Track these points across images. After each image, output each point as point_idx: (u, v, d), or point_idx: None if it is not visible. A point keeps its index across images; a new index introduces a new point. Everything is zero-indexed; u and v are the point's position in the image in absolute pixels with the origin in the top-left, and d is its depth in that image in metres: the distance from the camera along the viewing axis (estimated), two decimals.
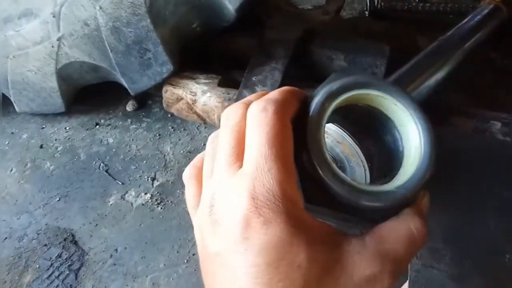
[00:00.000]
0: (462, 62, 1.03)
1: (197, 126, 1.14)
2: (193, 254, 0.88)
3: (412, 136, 0.34)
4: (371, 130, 0.38)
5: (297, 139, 0.31)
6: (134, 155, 1.07)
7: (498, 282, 0.69)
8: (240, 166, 0.30)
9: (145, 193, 0.99)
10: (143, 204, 0.97)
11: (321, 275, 0.28)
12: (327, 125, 0.67)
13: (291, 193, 0.29)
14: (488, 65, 1.26)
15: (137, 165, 1.05)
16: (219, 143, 0.32)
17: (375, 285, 0.30)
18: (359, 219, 0.33)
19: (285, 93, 0.33)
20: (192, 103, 1.03)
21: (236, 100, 0.95)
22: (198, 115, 1.05)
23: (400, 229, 0.32)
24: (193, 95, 1.02)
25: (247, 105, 0.32)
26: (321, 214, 0.32)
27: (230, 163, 0.30)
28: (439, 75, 0.97)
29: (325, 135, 0.61)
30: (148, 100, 1.20)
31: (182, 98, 1.04)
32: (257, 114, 0.30)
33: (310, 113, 0.32)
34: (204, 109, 1.03)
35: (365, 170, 0.42)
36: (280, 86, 0.96)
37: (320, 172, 0.30)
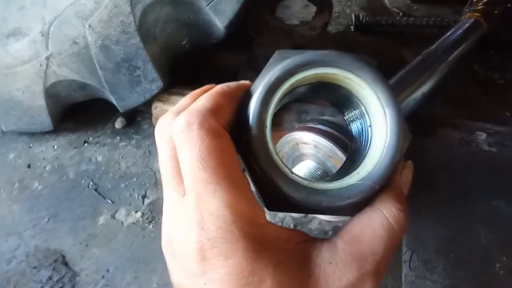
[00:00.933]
0: (446, 74, 1.05)
1: None
2: None
3: (376, 113, 0.29)
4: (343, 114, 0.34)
5: (244, 146, 0.28)
6: (124, 173, 1.06)
7: None
8: (183, 190, 0.27)
9: (136, 212, 0.98)
10: (134, 223, 0.96)
11: None
12: (318, 139, 0.67)
13: (246, 212, 0.25)
14: (472, 77, 1.29)
15: (127, 183, 1.04)
16: (159, 159, 0.29)
17: None
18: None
19: (215, 96, 0.29)
20: None
21: None
22: None
23: (374, 223, 0.28)
24: None
25: (178, 114, 0.28)
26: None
27: (174, 187, 0.28)
28: (425, 88, 0.99)
29: (316, 149, 0.60)
30: (137, 117, 1.19)
31: None
32: (182, 132, 0.26)
33: (250, 114, 0.28)
34: None
35: None
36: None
37: (273, 179, 0.27)
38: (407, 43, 1.29)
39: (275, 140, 0.77)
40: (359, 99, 0.31)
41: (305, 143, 0.73)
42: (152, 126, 1.15)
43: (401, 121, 0.28)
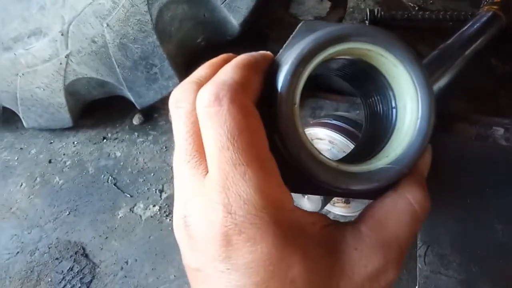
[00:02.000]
0: (463, 69, 1.04)
1: None
2: None
3: (407, 94, 0.27)
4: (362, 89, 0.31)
5: (268, 122, 0.25)
6: (142, 168, 1.08)
7: (507, 287, 0.69)
8: (205, 169, 0.25)
9: (154, 205, 1.00)
10: (151, 216, 0.98)
11: (319, 284, 0.25)
12: (332, 134, 0.68)
13: (276, 197, 0.24)
14: (489, 71, 1.27)
15: (144, 177, 1.06)
16: (174, 137, 0.27)
17: (379, 280, 0.26)
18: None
19: (242, 68, 0.25)
20: None
21: None
22: None
23: (399, 209, 0.27)
24: None
25: (199, 86, 0.25)
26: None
27: (193, 165, 0.25)
28: (441, 83, 0.98)
29: (331, 144, 0.60)
30: (154, 113, 1.21)
31: None
32: (210, 107, 0.23)
33: (279, 88, 0.25)
34: None
35: None
36: None
37: (301, 159, 0.25)
38: (423, 37, 1.28)
39: None
40: (387, 79, 0.28)
41: (320, 138, 0.74)
42: (168, 123, 1.17)
43: (434, 104, 0.27)
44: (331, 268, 0.25)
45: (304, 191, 0.27)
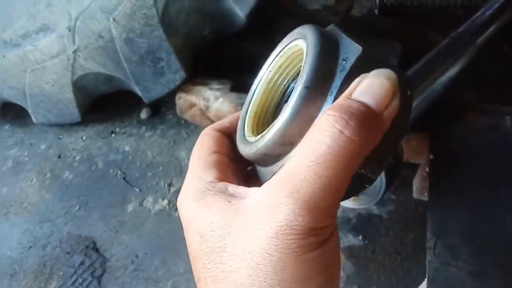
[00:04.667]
0: (474, 58, 1.02)
1: None
2: None
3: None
4: None
5: None
6: (150, 162, 1.09)
7: None
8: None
9: (163, 199, 1.01)
10: (161, 210, 0.99)
11: (222, 235, 0.27)
12: None
13: (199, 174, 0.31)
14: (501, 58, 1.25)
15: (153, 171, 1.06)
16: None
17: (277, 214, 0.24)
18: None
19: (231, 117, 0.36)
20: (205, 109, 1.05)
21: None
22: (211, 121, 1.06)
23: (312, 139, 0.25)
24: (206, 101, 1.03)
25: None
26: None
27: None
28: (452, 72, 0.96)
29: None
30: (162, 107, 1.22)
31: (195, 105, 1.06)
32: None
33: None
34: (217, 114, 1.04)
35: None
36: None
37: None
38: (433, 25, 1.25)
39: None
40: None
41: None
42: (176, 116, 1.17)
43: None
44: (233, 217, 0.27)
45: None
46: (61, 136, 1.17)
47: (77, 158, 1.12)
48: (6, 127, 1.22)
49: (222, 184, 0.30)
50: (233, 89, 1.03)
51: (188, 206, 0.30)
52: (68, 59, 0.98)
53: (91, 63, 0.98)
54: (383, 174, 0.69)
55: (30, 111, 1.13)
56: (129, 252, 0.92)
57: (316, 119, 0.26)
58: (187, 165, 1.04)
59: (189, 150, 1.11)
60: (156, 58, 0.96)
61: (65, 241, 0.96)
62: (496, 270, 0.73)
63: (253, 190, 0.28)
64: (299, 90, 0.26)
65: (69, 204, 1.03)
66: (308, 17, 1.18)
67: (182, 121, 1.16)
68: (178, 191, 1.02)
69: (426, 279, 0.73)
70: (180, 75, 1.00)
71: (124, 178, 1.06)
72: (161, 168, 1.07)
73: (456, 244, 0.76)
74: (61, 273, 0.90)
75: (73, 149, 1.14)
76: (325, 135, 0.24)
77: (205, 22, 0.98)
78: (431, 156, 0.85)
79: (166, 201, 1.00)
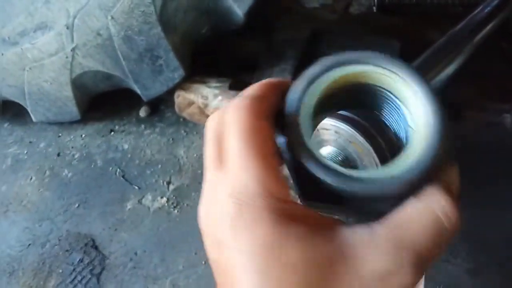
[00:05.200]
0: (473, 55, 1.02)
1: None
2: None
3: (419, 113, 0.28)
4: (374, 112, 0.33)
5: (281, 129, 0.29)
6: (149, 160, 1.09)
7: None
8: (223, 167, 0.28)
9: (161, 197, 1.01)
10: (160, 208, 0.99)
11: (322, 274, 0.24)
12: (338, 124, 0.67)
13: (274, 189, 0.26)
14: (500, 55, 1.25)
15: (152, 169, 1.07)
16: (205, 147, 0.30)
17: (391, 282, 0.24)
18: (363, 214, 0.28)
19: (263, 86, 0.30)
20: (204, 107, 1.05)
21: None
22: None
23: (420, 215, 0.26)
24: (204, 99, 1.03)
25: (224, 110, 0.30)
26: (324, 211, 0.28)
27: (215, 166, 0.28)
28: (451, 69, 0.96)
29: (336, 134, 0.58)
30: (161, 105, 1.22)
31: (193, 103, 1.06)
32: (232, 111, 0.28)
33: (287, 100, 0.29)
34: None
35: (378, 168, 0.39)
36: None
37: (301, 159, 0.26)
38: (432, 23, 1.25)
39: None
40: (398, 98, 0.29)
41: (325, 128, 0.74)
42: (175, 114, 1.17)
43: (443, 116, 0.27)
44: (335, 259, 0.25)
45: (313, 197, 0.28)
46: (60, 134, 1.18)
47: (76, 156, 1.12)
48: (6, 125, 1.22)
49: (307, 210, 0.27)
50: (232, 87, 1.03)
51: (264, 224, 0.25)
52: (67, 57, 0.98)
53: (90, 61, 0.98)
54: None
55: (29, 109, 1.13)
56: (128, 250, 0.92)
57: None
58: (186, 163, 1.05)
59: (188, 148, 1.11)
60: (155, 56, 0.96)
61: (64, 238, 0.96)
62: (494, 269, 0.73)
63: (361, 230, 0.26)
64: (431, 156, 0.26)
65: (68, 202, 1.03)
66: (305, 15, 1.18)
67: (181, 119, 1.17)
68: (177, 189, 1.03)
69: (424, 277, 0.73)
70: (179, 73, 1.00)
71: (123, 176, 1.06)
72: (160, 166, 1.07)
73: (455, 241, 0.77)
74: (60, 271, 0.91)
75: (72, 147, 1.15)
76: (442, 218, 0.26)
77: (203, 20, 0.98)
78: None
79: (164, 199, 1.00)
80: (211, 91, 1.03)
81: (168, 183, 1.04)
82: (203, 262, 0.88)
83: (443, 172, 0.27)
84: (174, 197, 1.01)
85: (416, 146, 0.27)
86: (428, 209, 0.26)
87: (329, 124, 0.73)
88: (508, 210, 0.77)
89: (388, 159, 0.51)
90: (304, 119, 0.28)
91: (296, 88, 0.29)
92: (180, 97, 1.06)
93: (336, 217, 0.28)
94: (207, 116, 1.06)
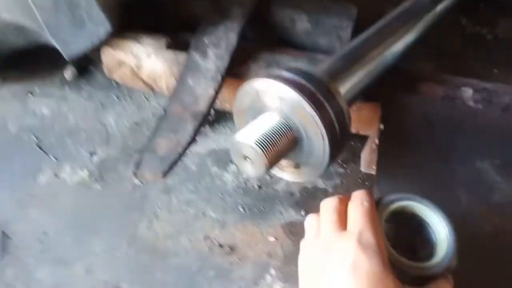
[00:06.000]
0: (432, 26, 0.95)
1: (145, 95, 1.02)
2: (135, 237, 0.78)
3: (441, 231, 0.49)
4: (415, 229, 0.52)
5: None
6: (72, 128, 0.95)
7: (469, 258, 0.62)
8: (346, 225, 0.47)
9: (83, 170, 0.88)
10: (79, 182, 0.86)
11: None
12: (282, 88, 0.59)
13: (383, 248, 0.44)
14: (459, 31, 1.19)
15: (74, 138, 0.93)
16: (323, 219, 0.49)
17: None
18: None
19: (369, 196, 0.49)
20: (137, 69, 0.92)
21: (186, 64, 0.84)
22: (145, 82, 0.93)
23: None
24: (136, 59, 0.90)
25: (340, 199, 0.50)
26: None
27: (336, 228, 0.47)
28: (408, 38, 0.89)
29: (281, 101, 0.61)
30: (90, 66, 1.07)
31: (124, 63, 0.92)
32: (359, 205, 0.48)
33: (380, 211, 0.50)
34: (151, 75, 0.91)
35: None
36: (236, 48, 0.85)
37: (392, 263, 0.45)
38: None
39: (235, 90, 0.67)
40: (427, 222, 0.50)
41: (267, 92, 0.63)
42: (106, 77, 1.03)
43: (455, 235, 0.48)
44: None
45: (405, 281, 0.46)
46: None
47: None
48: None
49: None
50: (170, 46, 0.90)
51: None
52: None
53: None
54: (326, 144, 0.60)
55: None
56: (37, 230, 0.79)
57: None
58: (115, 132, 0.88)
59: (119, 116, 0.98)
60: (74, 5, 0.81)
61: None
62: None
63: None
64: (451, 254, 0.48)
65: None
66: None
67: (113, 83, 1.03)
68: (102, 161, 0.89)
69: None
70: (105, 27, 0.86)
71: (38, 145, 0.91)
72: (83, 134, 0.94)
73: None
74: None
75: None
76: None
77: None
78: (381, 127, 0.77)
79: (86, 172, 0.87)
80: (144, 50, 0.90)
81: (92, 154, 0.91)
82: (126, 244, 0.77)
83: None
84: (97, 170, 0.88)
85: (440, 251, 0.47)
86: None
87: (272, 87, 0.63)
88: (463, 189, 0.70)
89: (336, 131, 0.59)
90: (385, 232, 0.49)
91: (382, 204, 0.51)
92: (108, 56, 0.92)
93: None
94: (141, 79, 0.93)
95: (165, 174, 0.65)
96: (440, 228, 0.49)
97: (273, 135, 0.59)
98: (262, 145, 0.57)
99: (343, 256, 0.43)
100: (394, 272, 0.45)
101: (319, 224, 0.49)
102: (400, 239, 0.49)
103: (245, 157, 0.60)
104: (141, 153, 0.66)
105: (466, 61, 1.09)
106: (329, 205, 0.50)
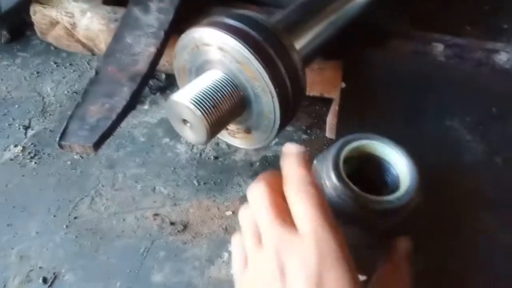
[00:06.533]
0: None
1: (87, 60, 0.92)
2: (75, 218, 0.69)
3: (402, 167, 0.48)
4: (375, 167, 0.50)
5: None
6: (3, 99, 0.84)
7: (432, 224, 0.57)
8: (292, 222, 0.37)
9: (16, 145, 0.78)
10: (12, 159, 0.76)
11: None
12: (222, 37, 0.51)
13: (348, 252, 0.36)
14: None
15: (6, 110, 0.83)
16: (258, 209, 0.39)
17: None
18: (373, 231, 0.47)
19: (306, 165, 0.40)
20: (72, 28, 0.81)
21: (124, 20, 0.74)
22: (83, 44, 0.83)
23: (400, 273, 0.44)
24: (70, 17, 0.79)
25: (267, 180, 0.39)
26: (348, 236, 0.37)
27: (281, 221, 0.37)
28: None
29: (221, 52, 0.53)
30: (26, 30, 0.95)
31: (58, 22, 0.81)
32: (300, 190, 0.38)
33: (332, 156, 0.47)
34: (88, 35, 0.81)
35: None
36: (183, 1, 0.75)
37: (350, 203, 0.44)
38: None
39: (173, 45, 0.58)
40: (388, 161, 0.50)
41: (207, 44, 0.54)
42: (44, 42, 0.92)
43: (417, 169, 0.47)
44: None
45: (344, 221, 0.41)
46: None
47: None
48: None
49: None
50: (107, 1, 0.79)
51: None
52: None
53: None
54: (276, 106, 0.53)
55: None
56: None
57: None
58: (52, 102, 0.76)
59: (57, 84, 0.87)
60: None
61: None
62: None
63: None
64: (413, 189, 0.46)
65: None
66: None
67: (51, 48, 0.92)
68: (37, 135, 0.79)
69: None
70: None
71: None
72: (17, 106, 0.83)
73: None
74: None
75: None
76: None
77: None
78: (343, 85, 0.70)
79: (19, 148, 0.78)
80: (77, 6, 0.79)
81: (26, 127, 0.81)
82: (64, 227, 0.69)
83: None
84: (32, 145, 0.78)
85: (403, 185, 0.47)
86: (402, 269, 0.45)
87: (212, 37, 0.54)
88: (430, 148, 0.65)
89: (288, 89, 0.53)
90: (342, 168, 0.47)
91: (332, 154, 0.47)
92: (38, 14, 0.81)
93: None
94: (78, 40, 0.82)
95: (97, 145, 0.56)
96: (400, 164, 0.48)
97: (214, 94, 0.51)
98: (201, 105, 0.49)
99: (303, 271, 0.34)
100: (358, 216, 0.44)
101: (249, 244, 0.40)
102: (361, 179, 0.47)
103: (184, 121, 0.52)
104: (68, 121, 0.57)
105: (438, 18, 1.02)
106: (258, 188, 0.39)
